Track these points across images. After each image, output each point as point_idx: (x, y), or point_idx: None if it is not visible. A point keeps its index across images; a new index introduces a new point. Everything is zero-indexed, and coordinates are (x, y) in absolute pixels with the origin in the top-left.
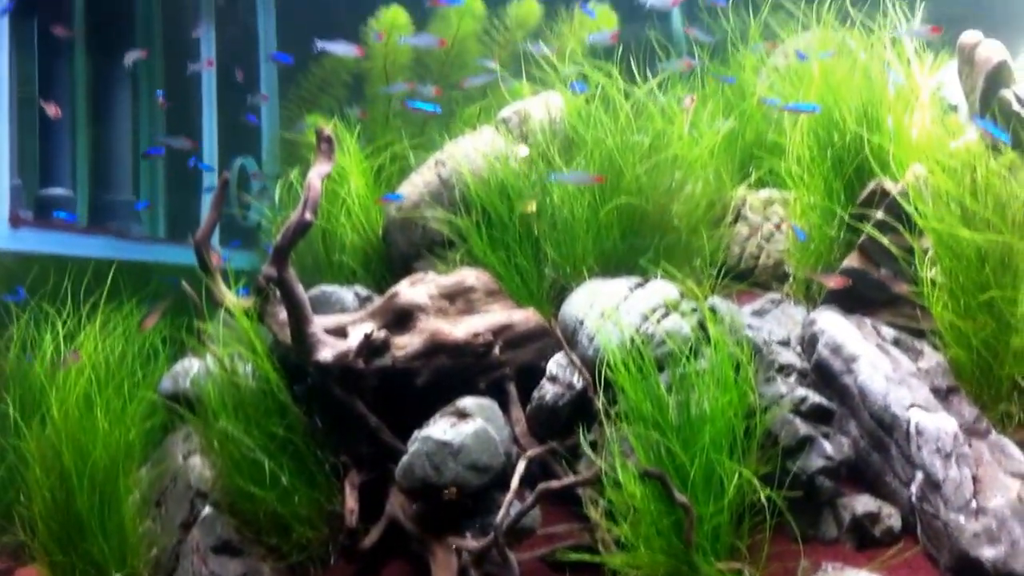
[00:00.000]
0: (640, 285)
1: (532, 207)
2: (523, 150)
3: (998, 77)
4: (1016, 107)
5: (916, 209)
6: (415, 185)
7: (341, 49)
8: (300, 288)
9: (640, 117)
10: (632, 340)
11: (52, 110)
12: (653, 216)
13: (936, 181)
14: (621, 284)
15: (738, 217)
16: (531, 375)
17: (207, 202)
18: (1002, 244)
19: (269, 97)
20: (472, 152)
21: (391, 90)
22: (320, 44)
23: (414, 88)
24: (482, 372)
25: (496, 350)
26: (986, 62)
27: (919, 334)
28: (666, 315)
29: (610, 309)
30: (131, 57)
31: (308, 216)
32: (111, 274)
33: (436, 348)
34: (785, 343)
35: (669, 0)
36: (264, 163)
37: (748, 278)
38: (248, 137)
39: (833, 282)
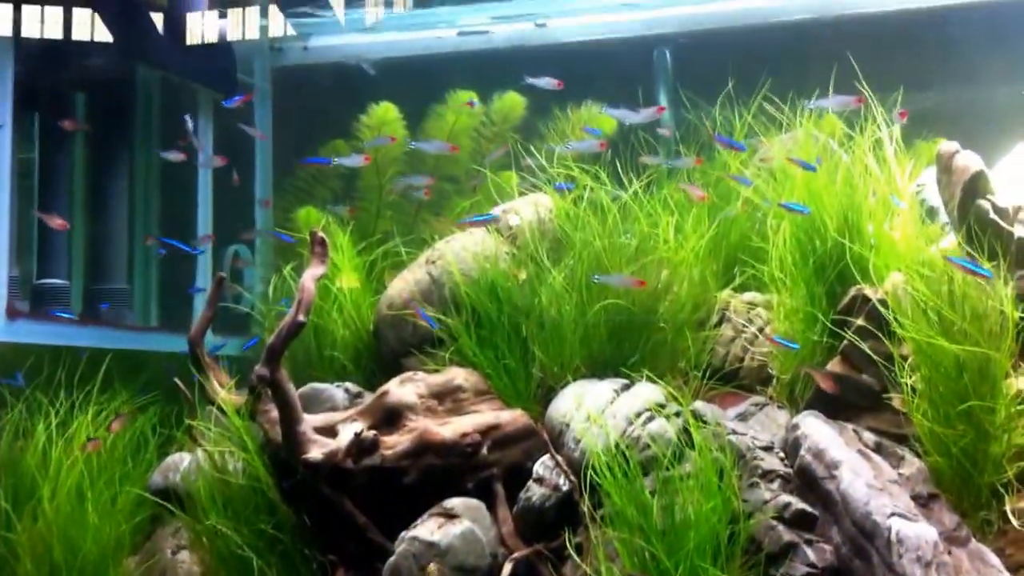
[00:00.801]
0: (626, 388)
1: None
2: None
3: (975, 187)
4: (992, 216)
5: (895, 318)
6: (406, 282)
7: (350, 161)
8: (291, 388)
9: (628, 219)
10: (617, 444)
11: (56, 223)
12: (639, 317)
13: (914, 290)
14: (607, 386)
15: (723, 319)
16: (518, 475)
17: (198, 297)
18: (980, 354)
19: (270, 201)
20: (462, 252)
21: (411, 181)
22: (337, 160)
23: (434, 182)
24: (470, 472)
25: (484, 450)
26: (963, 172)
27: (901, 439)
28: (651, 419)
29: (595, 412)
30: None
31: (301, 318)
32: (105, 364)
33: (424, 448)
34: (768, 448)
35: (653, 111)
36: (258, 250)
37: (733, 380)
38: (242, 225)
39: (825, 384)
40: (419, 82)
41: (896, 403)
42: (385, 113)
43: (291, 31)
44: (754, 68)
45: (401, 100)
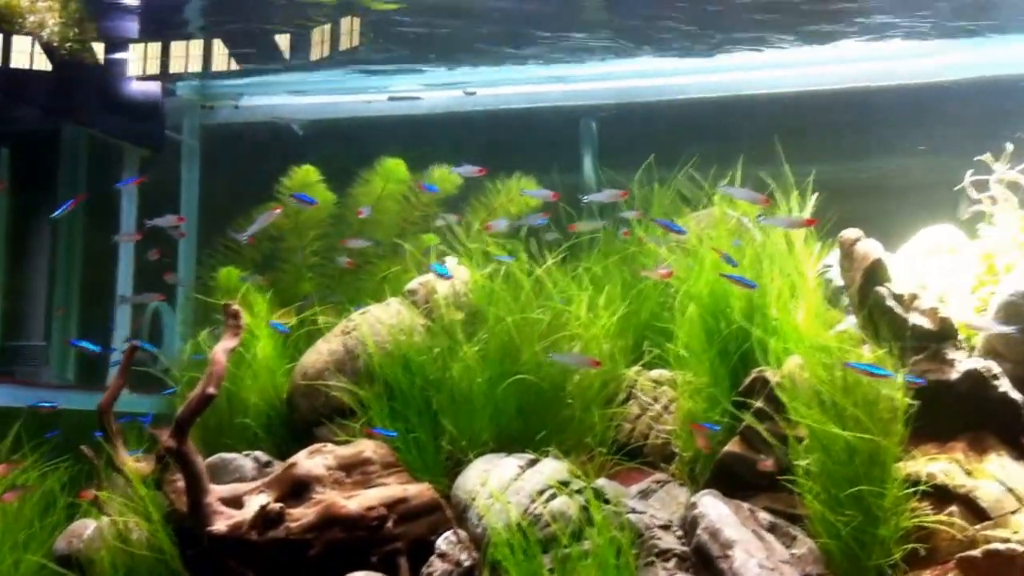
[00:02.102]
0: (531, 464)
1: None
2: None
3: (874, 274)
4: (889, 303)
5: (791, 402)
6: (320, 353)
7: (260, 223)
8: (199, 459)
9: (542, 294)
10: (519, 523)
11: None
12: (548, 393)
13: (810, 375)
14: (513, 462)
15: (629, 396)
16: (423, 550)
17: (113, 356)
18: (870, 440)
19: (184, 281)
20: (377, 324)
21: (354, 244)
22: (244, 235)
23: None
24: (375, 545)
25: (389, 524)
26: (864, 258)
27: (795, 519)
28: (553, 497)
29: (499, 489)
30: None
31: (212, 390)
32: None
33: (330, 521)
34: (667, 526)
35: (616, 193)
36: (179, 307)
37: (638, 456)
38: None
39: (700, 443)
40: (348, 145)
41: (791, 484)
42: (306, 176)
43: (235, 65)
44: (676, 142)
45: (329, 162)
